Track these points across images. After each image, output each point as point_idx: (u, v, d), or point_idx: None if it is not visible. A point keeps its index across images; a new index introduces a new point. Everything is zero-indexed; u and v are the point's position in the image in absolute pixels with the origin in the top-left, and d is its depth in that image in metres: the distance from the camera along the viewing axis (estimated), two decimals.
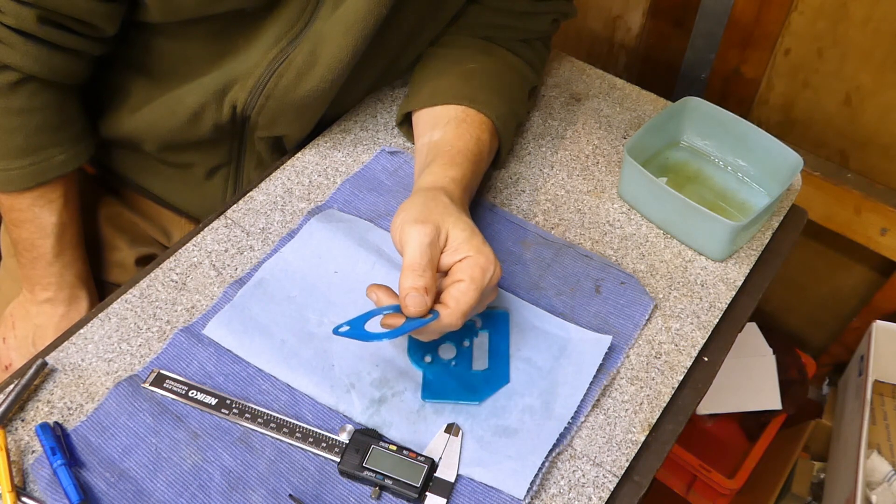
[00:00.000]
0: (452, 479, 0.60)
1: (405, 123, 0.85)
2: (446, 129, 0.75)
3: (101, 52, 0.76)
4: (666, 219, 0.79)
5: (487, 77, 0.80)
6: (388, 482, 0.59)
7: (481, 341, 0.69)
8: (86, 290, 0.87)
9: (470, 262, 0.60)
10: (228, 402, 0.64)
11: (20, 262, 0.85)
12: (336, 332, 0.59)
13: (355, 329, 0.59)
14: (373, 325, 0.60)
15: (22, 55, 0.70)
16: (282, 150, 0.86)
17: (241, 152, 0.86)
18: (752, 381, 1.45)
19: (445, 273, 0.62)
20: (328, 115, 0.85)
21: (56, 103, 0.77)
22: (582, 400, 0.65)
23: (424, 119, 0.79)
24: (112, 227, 0.93)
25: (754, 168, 0.82)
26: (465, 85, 0.79)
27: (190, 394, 0.64)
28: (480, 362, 0.67)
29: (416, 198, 0.65)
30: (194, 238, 0.76)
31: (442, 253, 0.61)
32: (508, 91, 0.81)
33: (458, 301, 0.59)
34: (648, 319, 0.72)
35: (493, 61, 0.82)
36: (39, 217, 0.81)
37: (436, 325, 0.59)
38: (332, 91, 0.77)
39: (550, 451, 0.62)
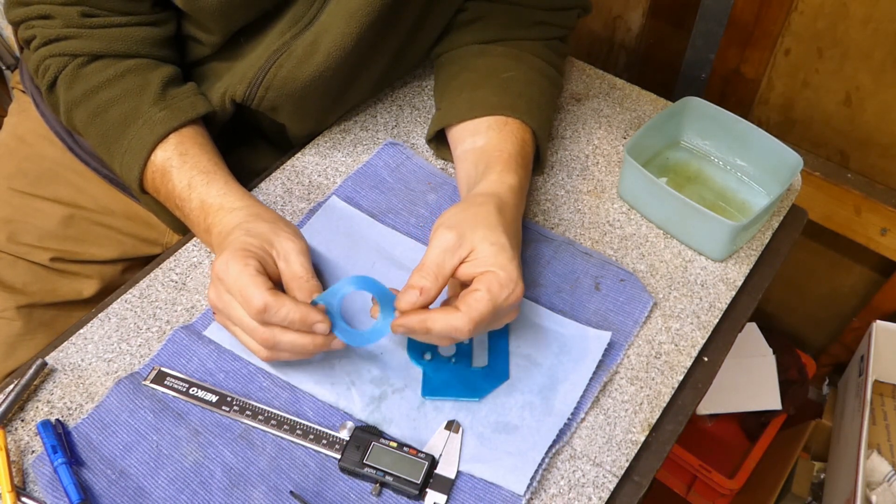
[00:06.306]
0: (453, 476, 0.60)
1: (434, 139, 0.84)
2: (489, 135, 0.75)
3: (155, 33, 0.75)
4: (666, 219, 0.79)
5: (523, 86, 0.80)
6: (389, 479, 0.59)
7: (481, 338, 0.69)
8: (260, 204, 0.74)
9: (490, 276, 0.60)
10: (229, 399, 0.64)
11: (201, 229, 0.73)
12: (318, 301, 0.62)
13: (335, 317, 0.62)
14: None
15: (86, 39, 0.72)
16: (286, 145, 0.86)
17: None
18: (752, 381, 1.45)
19: (469, 284, 0.62)
20: (334, 113, 0.85)
21: (131, 74, 0.74)
22: (581, 396, 0.65)
23: (461, 128, 0.78)
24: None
25: (754, 168, 0.82)
26: (504, 95, 0.78)
27: (191, 391, 0.64)
28: (480, 359, 0.67)
29: (463, 204, 0.66)
30: (194, 238, 0.76)
31: (463, 262, 0.62)
32: (542, 98, 0.81)
33: (469, 307, 0.59)
34: (648, 319, 0.72)
35: (526, 69, 0.81)
36: (194, 180, 0.72)
37: (444, 325, 0.59)
38: (333, 79, 0.76)
39: (550, 448, 0.62)
